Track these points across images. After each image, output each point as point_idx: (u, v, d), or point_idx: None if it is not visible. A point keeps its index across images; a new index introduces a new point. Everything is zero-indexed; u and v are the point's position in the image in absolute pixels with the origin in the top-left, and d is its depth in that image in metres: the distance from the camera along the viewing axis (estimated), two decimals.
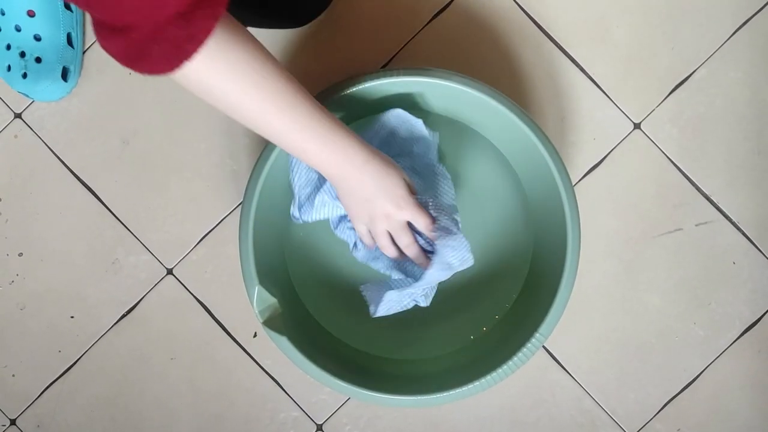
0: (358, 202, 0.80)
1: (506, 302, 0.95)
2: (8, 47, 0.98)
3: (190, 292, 1.04)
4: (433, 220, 0.81)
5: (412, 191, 0.82)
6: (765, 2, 1.01)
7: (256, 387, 1.05)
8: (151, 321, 1.05)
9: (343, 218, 0.89)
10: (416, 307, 0.89)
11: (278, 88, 0.71)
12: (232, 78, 0.68)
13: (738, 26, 1.01)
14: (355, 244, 0.90)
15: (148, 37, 0.59)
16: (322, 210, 0.86)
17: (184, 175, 1.03)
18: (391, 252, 0.84)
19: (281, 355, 0.87)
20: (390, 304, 0.85)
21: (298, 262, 0.95)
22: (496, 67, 1.02)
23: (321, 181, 0.86)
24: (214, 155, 1.03)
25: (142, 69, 0.63)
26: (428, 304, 0.87)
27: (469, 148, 0.94)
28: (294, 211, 0.88)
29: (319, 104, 0.74)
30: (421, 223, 0.81)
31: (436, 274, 0.81)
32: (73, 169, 1.04)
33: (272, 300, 0.87)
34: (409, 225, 0.82)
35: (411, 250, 0.83)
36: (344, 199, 0.81)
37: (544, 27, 1.02)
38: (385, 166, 0.78)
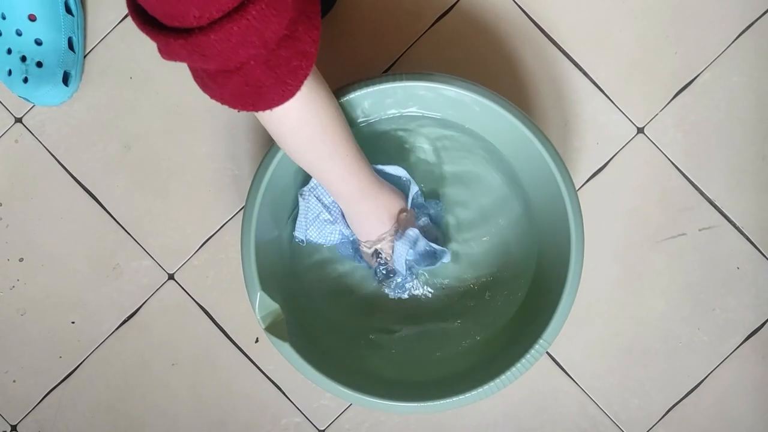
0: (371, 225, 0.87)
1: (510, 308, 0.94)
2: (9, 51, 0.98)
3: (191, 297, 1.04)
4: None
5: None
6: None
7: (258, 392, 1.05)
8: (152, 326, 1.04)
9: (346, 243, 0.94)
10: (420, 311, 0.92)
11: (343, 124, 0.76)
12: (321, 110, 0.71)
13: (742, 30, 1.01)
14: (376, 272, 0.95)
15: (264, 68, 0.60)
16: (331, 236, 0.92)
17: (185, 179, 1.03)
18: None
19: (283, 360, 0.87)
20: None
21: (300, 267, 0.95)
22: (499, 71, 1.01)
23: (331, 212, 0.90)
24: (215, 160, 1.03)
25: (265, 104, 0.64)
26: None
27: (471, 152, 0.93)
28: (299, 233, 0.92)
29: (352, 134, 0.79)
30: (389, 252, 0.89)
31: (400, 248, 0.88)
32: (74, 174, 1.04)
33: (274, 306, 0.87)
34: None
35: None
36: (358, 224, 0.87)
37: (547, 31, 1.01)
38: (393, 195, 0.87)
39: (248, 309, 1.00)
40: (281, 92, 0.64)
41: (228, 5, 0.54)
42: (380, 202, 0.85)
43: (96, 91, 1.03)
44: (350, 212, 0.86)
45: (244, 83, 0.61)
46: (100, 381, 1.05)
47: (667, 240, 1.02)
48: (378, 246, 0.88)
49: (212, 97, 0.64)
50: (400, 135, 0.93)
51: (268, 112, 0.67)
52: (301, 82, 0.64)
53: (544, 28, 1.01)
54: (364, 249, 0.90)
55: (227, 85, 0.62)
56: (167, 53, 0.58)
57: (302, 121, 0.71)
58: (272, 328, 0.86)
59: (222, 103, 0.65)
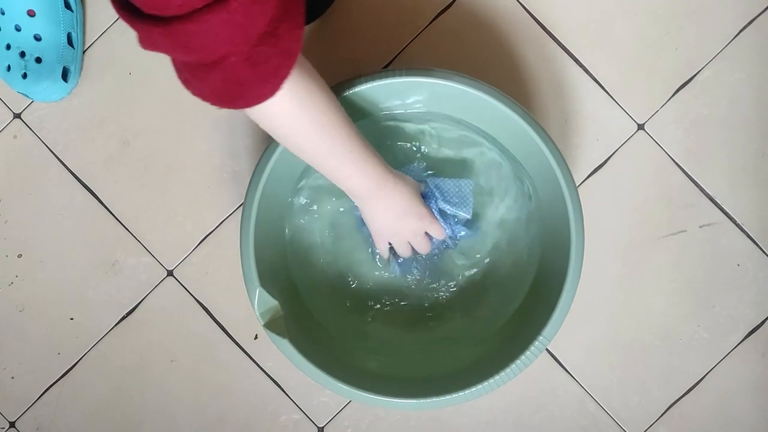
0: (386, 221, 0.86)
1: (510, 305, 0.94)
2: (8, 47, 0.98)
3: (190, 293, 1.04)
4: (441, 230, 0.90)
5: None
6: None
7: (257, 389, 1.04)
8: (151, 323, 1.04)
9: None
10: (420, 307, 0.92)
11: (342, 120, 0.74)
12: (308, 106, 0.70)
13: (743, 26, 1.01)
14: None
15: (244, 64, 0.59)
16: None
17: (184, 176, 1.03)
18: (408, 253, 0.91)
19: (282, 357, 0.86)
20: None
21: (300, 264, 0.95)
22: (499, 68, 1.01)
23: None
24: (214, 156, 1.02)
25: (245, 101, 0.64)
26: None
27: (471, 149, 0.93)
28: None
29: (356, 130, 0.77)
30: (436, 232, 0.89)
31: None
32: (73, 170, 1.03)
33: (273, 302, 0.86)
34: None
35: (426, 250, 0.91)
36: (373, 220, 0.86)
37: (547, 27, 1.01)
38: (407, 186, 0.84)
39: (247, 306, 1.00)
40: (261, 90, 0.63)
41: None
42: (394, 197, 0.83)
43: (95, 87, 1.03)
44: (363, 209, 0.85)
45: (224, 79, 0.60)
46: (98, 378, 1.05)
47: (668, 237, 1.02)
48: (391, 239, 0.88)
49: (193, 93, 0.63)
50: (400, 131, 0.93)
51: (256, 108, 0.66)
52: (282, 81, 0.63)
53: (544, 24, 1.01)
54: (380, 245, 0.90)
55: (207, 80, 0.61)
56: (147, 42, 0.57)
57: (291, 118, 0.70)
58: (271, 325, 0.86)
59: (203, 100, 0.64)
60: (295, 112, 0.69)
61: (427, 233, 0.89)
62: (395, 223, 0.86)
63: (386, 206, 0.84)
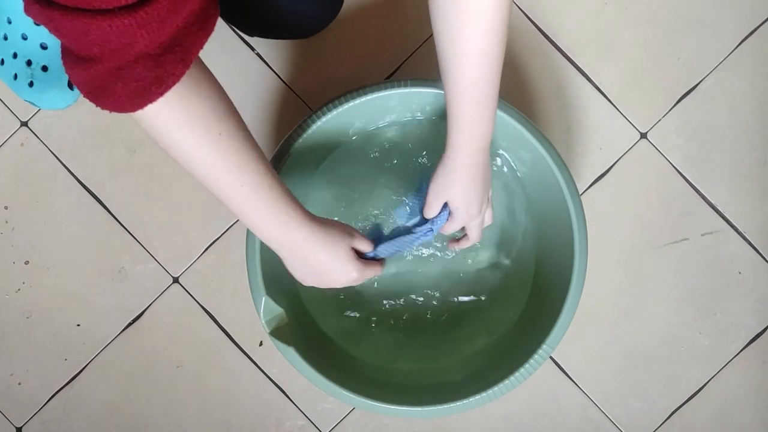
0: (309, 273, 0.77)
1: (514, 313, 0.94)
2: (15, 56, 0.98)
3: (196, 300, 1.04)
4: (381, 262, 0.84)
5: (363, 246, 0.81)
6: None
7: (262, 395, 1.05)
8: (157, 329, 1.05)
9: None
10: (423, 318, 0.91)
11: (233, 147, 0.67)
12: (188, 129, 0.64)
13: (744, 36, 1.01)
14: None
15: (112, 73, 0.56)
16: None
17: (190, 183, 1.03)
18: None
19: (287, 363, 0.87)
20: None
21: None
22: (503, 77, 1.00)
23: None
24: None
25: (104, 105, 0.60)
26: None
27: None
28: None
29: (271, 169, 0.70)
30: (370, 275, 0.80)
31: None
32: (79, 178, 1.04)
33: (279, 310, 0.87)
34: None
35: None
36: (294, 270, 0.77)
37: (551, 36, 1.02)
38: (331, 236, 0.76)
39: (252, 312, 1.01)
40: (122, 103, 0.59)
41: (103, 4, 0.51)
42: (308, 252, 0.74)
43: None
44: (280, 254, 0.76)
45: (90, 77, 0.58)
46: (105, 383, 1.06)
47: (670, 245, 1.03)
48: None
49: (66, 73, 0.60)
50: (402, 139, 0.94)
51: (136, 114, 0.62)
52: (145, 104, 0.59)
53: (548, 33, 1.02)
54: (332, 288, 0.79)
55: (74, 69, 0.58)
56: (27, 10, 0.55)
57: (162, 131, 0.64)
58: (277, 332, 0.86)
59: (73, 83, 0.60)
60: (168, 128, 0.64)
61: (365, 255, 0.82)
62: (319, 276, 0.77)
63: (297, 256, 0.75)
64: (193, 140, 0.65)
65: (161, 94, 0.59)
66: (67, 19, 0.52)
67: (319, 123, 0.86)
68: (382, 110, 0.90)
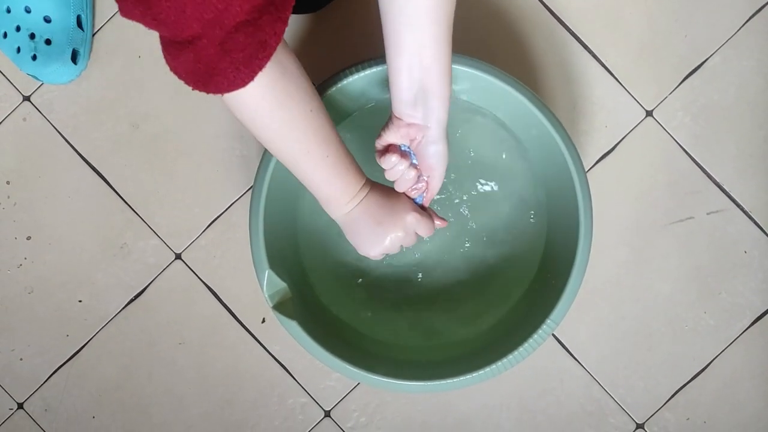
0: (367, 233, 0.78)
1: (518, 289, 0.94)
2: (18, 29, 0.98)
3: (198, 277, 1.04)
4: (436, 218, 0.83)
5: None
6: None
7: (264, 373, 1.05)
8: (159, 306, 1.05)
9: None
10: (428, 291, 0.92)
11: (321, 122, 0.71)
12: (287, 108, 0.67)
13: (752, 14, 1.01)
14: None
15: (217, 49, 0.58)
16: None
17: (193, 159, 1.03)
18: (396, 250, 0.82)
19: (290, 340, 0.87)
20: None
21: (308, 247, 0.95)
22: (508, 54, 1.01)
23: None
24: (223, 139, 1.03)
25: (215, 87, 0.61)
26: None
27: (481, 132, 0.93)
28: None
29: (336, 136, 0.73)
30: (423, 231, 0.81)
31: None
32: (81, 153, 1.04)
33: (282, 285, 0.87)
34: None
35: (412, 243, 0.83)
36: (356, 235, 0.79)
37: (556, 13, 1.01)
38: (384, 197, 0.78)
39: (255, 289, 1.01)
40: (233, 78, 0.60)
41: None
42: (371, 207, 0.77)
43: (104, 70, 1.03)
44: (342, 222, 0.79)
45: (196, 60, 0.59)
46: (106, 360, 1.05)
47: (675, 223, 1.02)
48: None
49: (170, 68, 0.62)
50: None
51: (230, 97, 0.64)
52: (255, 73, 0.61)
53: (553, 9, 1.01)
54: (370, 255, 0.80)
55: (179, 58, 0.60)
56: (124, 10, 0.56)
57: (264, 112, 0.67)
58: (280, 307, 0.86)
59: (179, 78, 0.62)
60: (270, 107, 0.66)
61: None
62: (376, 236, 0.78)
63: (366, 216, 0.77)
64: (288, 117, 0.68)
65: (268, 57, 0.60)
66: (162, 0, 0.53)
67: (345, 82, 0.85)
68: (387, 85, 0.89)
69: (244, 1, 0.56)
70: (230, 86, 0.61)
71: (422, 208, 0.81)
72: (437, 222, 0.83)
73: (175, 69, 0.61)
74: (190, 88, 0.62)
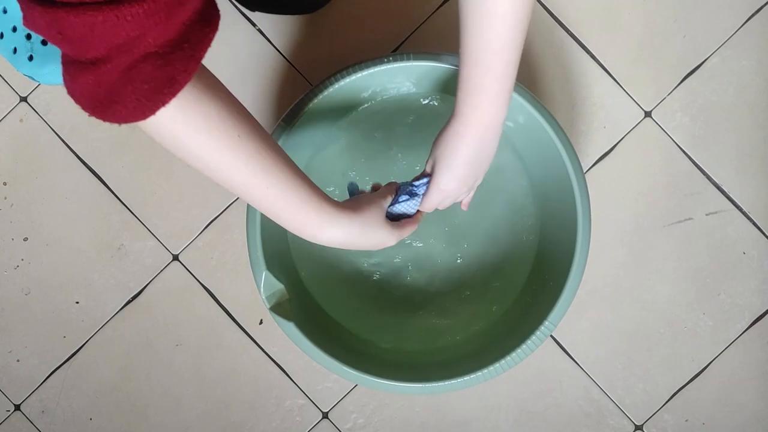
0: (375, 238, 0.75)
1: (515, 290, 0.94)
2: (14, 29, 0.97)
3: (195, 278, 1.04)
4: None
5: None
6: None
7: (262, 374, 1.05)
8: (156, 307, 1.04)
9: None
10: (422, 293, 0.91)
11: (254, 149, 0.65)
12: (206, 133, 0.61)
13: (751, 14, 1.00)
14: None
15: (121, 75, 0.53)
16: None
17: None
18: None
19: (287, 342, 0.86)
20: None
21: (301, 249, 0.95)
22: None
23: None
24: None
25: (114, 116, 0.56)
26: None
27: None
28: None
29: (296, 168, 0.69)
30: (407, 234, 0.79)
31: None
32: (79, 154, 1.03)
33: (279, 286, 0.86)
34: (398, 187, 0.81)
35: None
36: (364, 243, 0.74)
37: (555, 14, 1.01)
38: (365, 218, 0.74)
39: (252, 290, 1.00)
40: (132, 109, 0.55)
41: None
42: (336, 233, 0.72)
43: None
44: (342, 246, 0.73)
45: (96, 83, 0.54)
46: (104, 361, 1.05)
47: (674, 224, 1.02)
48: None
49: (67, 90, 0.56)
50: (406, 115, 0.93)
51: (142, 124, 0.58)
52: (157, 107, 0.56)
53: (552, 11, 1.01)
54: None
55: (78, 80, 0.54)
56: (27, 20, 0.52)
57: (182, 137, 0.61)
58: (277, 308, 0.86)
59: (76, 102, 0.56)
60: (187, 132, 0.61)
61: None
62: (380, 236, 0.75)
63: (343, 246, 0.73)
64: (213, 144, 0.62)
65: (173, 94, 0.56)
66: (71, 15, 0.49)
67: (337, 85, 0.84)
68: (388, 83, 0.89)
69: (158, 35, 0.52)
70: (128, 117, 0.56)
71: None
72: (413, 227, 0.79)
73: (71, 91, 0.56)
74: (86, 114, 0.56)
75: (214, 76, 0.63)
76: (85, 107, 0.56)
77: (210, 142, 0.62)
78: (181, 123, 0.60)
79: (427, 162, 0.79)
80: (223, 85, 0.64)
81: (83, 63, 0.53)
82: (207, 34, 0.57)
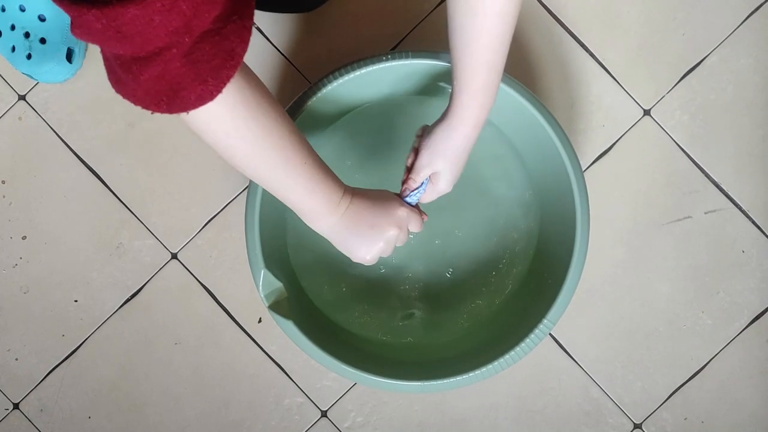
0: (363, 240, 0.76)
1: (514, 288, 0.94)
2: (12, 28, 0.97)
3: (194, 276, 1.04)
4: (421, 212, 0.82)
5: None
6: None
7: (261, 373, 1.04)
8: (155, 306, 1.04)
9: None
10: (419, 291, 0.92)
11: (290, 131, 0.68)
12: (257, 116, 0.64)
13: (750, 12, 1.00)
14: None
15: (183, 61, 0.54)
16: None
17: (190, 158, 1.03)
18: (390, 252, 0.80)
19: (286, 340, 0.86)
20: None
21: (303, 247, 0.95)
22: None
23: None
24: None
25: (181, 104, 0.57)
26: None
27: None
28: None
29: (308, 148, 0.71)
30: (414, 227, 0.79)
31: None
32: (77, 152, 1.03)
33: (278, 284, 0.86)
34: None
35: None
36: (348, 243, 0.76)
37: (553, 12, 1.01)
38: (367, 200, 0.76)
39: (251, 289, 1.00)
40: (200, 91, 0.57)
41: None
42: (354, 213, 0.75)
43: (100, 69, 1.01)
44: (329, 235, 0.76)
45: (160, 75, 0.55)
46: (102, 360, 1.05)
47: (673, 223, 1.02)
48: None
49: (125, 94, 0.57)
50: (405, 114, 0.93)
51: (194, 115, 0.60)
52: (223, 84, 0.57)
53: (550, 8, 1.01)
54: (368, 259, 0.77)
55: (141, 77, 0.55)
56: (80, 27, 0.51)
57: (231, 129, 0.63)
58: (276, 306, 0.86)
59: (135, 103, 0.57)
60: (245, 118, 0.63)
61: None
62: (370, 239, 0.76)
63: (357, 221, 0.75)
64: (265, 127, 0.65)
65: (235, 67, 0.57)
66: (131, 8, 0.49)
67: (335, 84, 0.84)
68: (385, 82, 0.89)
69: (211, 7, 0.53)
70: (197, 101, 0.57)
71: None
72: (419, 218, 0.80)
73: (132, 92, 0.56)
74: (150, 111, 0.57)
75: (249, 69, 0.65)
76: (148, 105, 0.57)
77: (260, 126, 0.65)
78: (240, 108, 0.62)
79: (408, 156, 0.80)
80: (255, 75, 0.66)
81: (143, 59, 0.54)
82: (249, 3, 0.58)
